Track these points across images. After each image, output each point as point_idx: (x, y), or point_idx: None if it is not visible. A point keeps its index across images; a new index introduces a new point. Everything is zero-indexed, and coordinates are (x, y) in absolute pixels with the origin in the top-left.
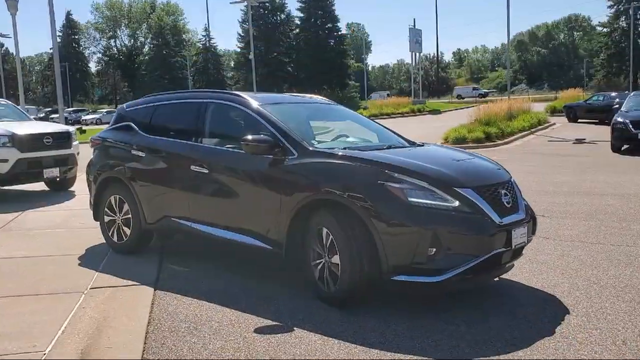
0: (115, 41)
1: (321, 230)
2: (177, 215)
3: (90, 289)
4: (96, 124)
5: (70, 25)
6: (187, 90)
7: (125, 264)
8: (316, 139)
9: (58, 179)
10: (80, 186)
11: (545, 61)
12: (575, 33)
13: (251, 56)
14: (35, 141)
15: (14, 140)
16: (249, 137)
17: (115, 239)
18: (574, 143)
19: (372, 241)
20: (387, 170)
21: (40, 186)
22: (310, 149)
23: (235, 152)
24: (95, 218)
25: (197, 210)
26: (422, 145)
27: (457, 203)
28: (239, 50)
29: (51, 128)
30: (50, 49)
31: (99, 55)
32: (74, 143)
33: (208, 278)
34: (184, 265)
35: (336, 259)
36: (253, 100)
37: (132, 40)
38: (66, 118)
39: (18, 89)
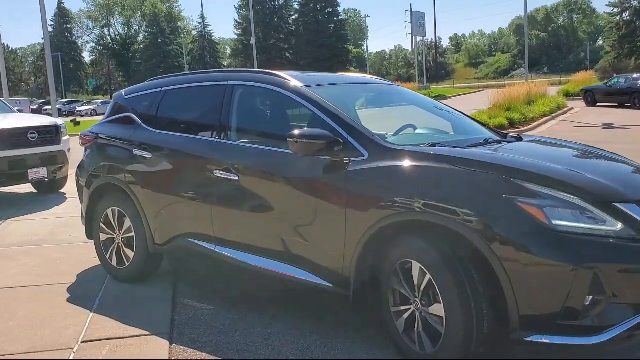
0: (109, 30)
1: (409, 265)
2: (195, 234)
3: (81, 342)
4: (91, 115)
5: (63, 14)
6: (204, 71)
7: (128, 298)
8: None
9: (46, 180)
10: (73, 188)
11: (544, 45)
12: (574, 16)
13: (252, 41)
14: (17, 137)
15: None
16: (297, 131)
17: (114, 263)
18: (603, 128)
19: (497, 285)
20: (513, 179)
21: (27, 187)
22: (388, 147)
23: (276, 152)
24: (89, 235)
25: (223, 230)
26: (521, 139)
27: (619, 226)
28: (236, 37)
29: (36, 122)
30: (43, 38)
31: (93, 44)
32: (64, 138)
33: (241, 321)
34: (205, 301)
35: (437, 309)
36: (296, 80)
37: (127, 29)
38: (60, 109)
39: (9, 78)
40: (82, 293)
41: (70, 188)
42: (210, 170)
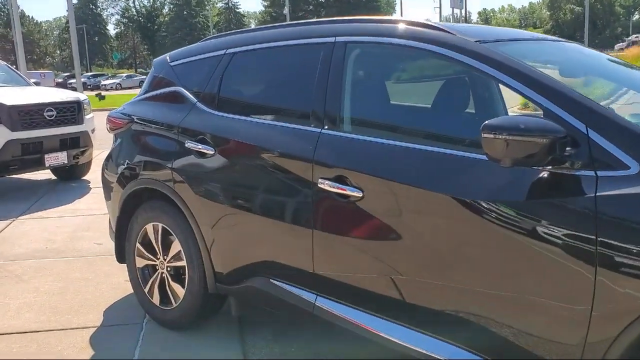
0: (133, 1)
1: None
2: (282, 273)
3: None
4: (116, 89)
5: None
6: (294, 23)
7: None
8: None
9: (67, 166)
10: (98, 175)
11: (578, 19)
12: None
13: (286, 10)
14: (32, 115)
15: (3, 114)
16: (498, 121)
17: (155, 300)
18: None
19: None
20: None
21: (46, 173)
22: None
23: (442, 155)
24: (120, 258)
25: (331, 271)
26: None
27: None
28: (263, 9)
29: (54, 97)
30: (67, 10)
31: (118, 17)
32: (87, 117)
33: None
34: None
35: None
36: (459, 33)
37: (152, 1)
38: (85, 83)
39: (34, 51)
40: (110, 349)
41: (95, 175)
42: (309, 179)
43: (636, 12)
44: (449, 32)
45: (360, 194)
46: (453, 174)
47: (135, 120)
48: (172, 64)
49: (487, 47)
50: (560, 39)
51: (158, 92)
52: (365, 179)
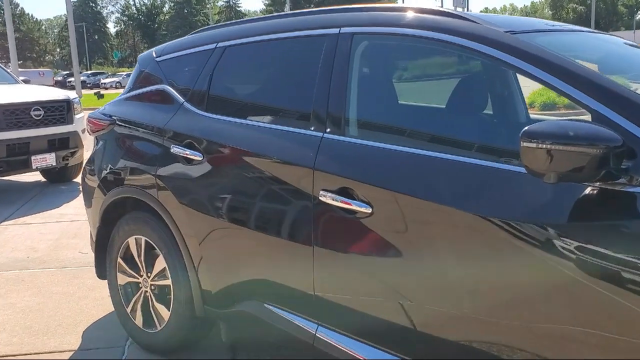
0: (134, 0)
1: None
2: (278, 297)
3: None
4: (116, 87)
5: None
6: (291, 13)
7: None
8: None
9: (56, 168)
10: None
11: (581, 19)
12: None
13: (287, 9)
14: (17, 115)
15: None
16: (540, 127)
17: (138, 322)
18: None
19: None
20: None
21: (35, 175)
22: None
23: (463, 164)
24: (100, 274)
25: (333, 296)
26: None
27: None
28: (264, 7)
29: (42, 95)
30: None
31: (117, 15)
32: (77, 116)
33: None
34: None
35: None
36: (487, 24)
37: None
38: (84, 81)
39: (33, 49)
40: None
41: None
42: (309, 191)
43: (639, 12)
44: (473, 22)
45: (368, 210)
46: (482, 190)
47: (117, 121)
48: (158, 59)
49: (520, 39)
50: (595, 30)
51: (142, 90)
52: (374, 192)
